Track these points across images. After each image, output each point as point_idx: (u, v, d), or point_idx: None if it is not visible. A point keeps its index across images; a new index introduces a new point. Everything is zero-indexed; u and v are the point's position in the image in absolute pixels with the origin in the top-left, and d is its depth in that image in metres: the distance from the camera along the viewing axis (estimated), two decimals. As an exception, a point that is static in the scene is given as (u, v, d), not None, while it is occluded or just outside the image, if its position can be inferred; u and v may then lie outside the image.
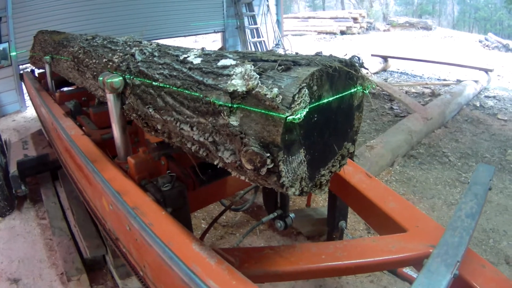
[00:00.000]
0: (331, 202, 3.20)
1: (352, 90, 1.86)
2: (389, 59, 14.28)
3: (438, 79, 12.70)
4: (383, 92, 10.17)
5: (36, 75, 6.92)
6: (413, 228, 2.36)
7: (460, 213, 2.16)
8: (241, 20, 16.09)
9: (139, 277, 2.25)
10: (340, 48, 21.43)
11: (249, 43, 16.29)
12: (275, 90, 1.54)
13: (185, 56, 2.18)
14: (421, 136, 7.19)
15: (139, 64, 2.52)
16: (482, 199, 2.29)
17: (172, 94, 2.10)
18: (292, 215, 3.57)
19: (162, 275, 1.90)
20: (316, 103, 1.63)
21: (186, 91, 1.96)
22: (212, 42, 25.32)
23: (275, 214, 3.53)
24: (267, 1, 17.49)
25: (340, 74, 1.72)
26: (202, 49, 2.26)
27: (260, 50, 16.15)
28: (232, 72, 1.75)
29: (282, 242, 4.32)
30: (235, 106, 1.67)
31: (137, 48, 2.76)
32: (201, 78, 1.90)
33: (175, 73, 2.12)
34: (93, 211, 2.94)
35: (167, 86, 2.12)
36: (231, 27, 16.27)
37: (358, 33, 28.40)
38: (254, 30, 16.66)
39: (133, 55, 2.68)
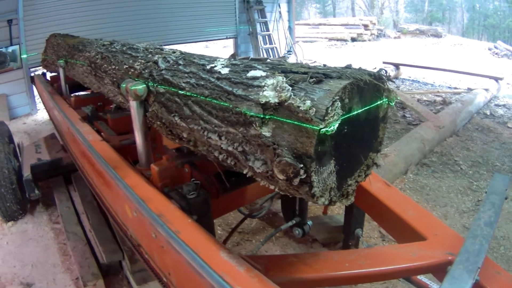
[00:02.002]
0: (347, 210, 3.22)
1: (379, 102, 1.87)
2: (400, 66, 14.28)
3: (449, 87, 12.73)
4: (396, 100, 10.16)
5: (48, 78, 6.90)
6: (432, 236, 2.39)
7: (479, 222, 2.21)
8: (254, 27, 16.12)
9: (163, 284, 2.27)
10: (351, 55, 21.52)
11: (261, 49, 16.31)
12: (308, 102, 1.56)
13: (212, 65, 2.19)
14: (433, 145, 7.22)
15: (163, 72, 2.53)
16: (498, 208, 2.33)
17: (199, 103, 2.11)
18: (309, 222, 3.59)
19: (189, 282, 1.91)
20: (347, 115, 1.65)
21: (215, 101, 1.97)
22: (223, 47, 25.34)
23: (294, 221, 3.55)
24: (279, 8, 17.56)
25: (369, 86, 1.74)
26: (229, 59, 2.28)
27: (272, 56, 16.18)
28: (263, 84, 1.77)
29: (297, 249, 4.33)
30: (267, 117, 1.69)
31: (160, 55, 2.77)
32: (230, 89, 1.92)
33: (202, 83, 2.13)
34: (113, 217, 2.95)
35: (194, 95, 2.14)
36: (243, 33, 16.32)
37: (369, 40, 28.44)
38: (266, 36, 16.71)
39: (156, 62, 2.69)
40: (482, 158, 6.99)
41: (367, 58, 19.87)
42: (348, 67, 1.83)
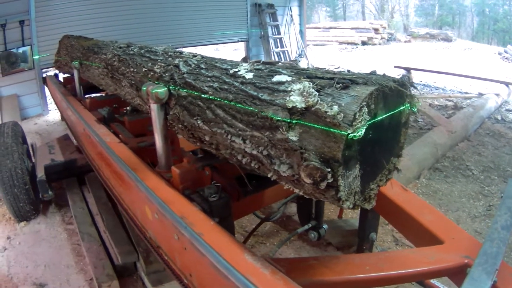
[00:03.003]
0: (362, 214, 3.23)
1: (402, 108, 1.89)
2: (412, 71, 14.28)
3: (460, 92, 12.73)
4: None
5: (61, 79, 6.93)
6: (449, 239, 2.43)
7: (496, 226, 2.27)
8: (265, 30, 16.17)
9: (184, 285, 2.29)
10: (362, 59, 21.46)
11: (273, 52, 16.35)
12: (336, 107, 1.58)
13: (235, 70, 2.21)
14: (445, 149, 7.22)
15: (185, 75, 2.55)
16: (515, 212, 2.37)
17: (223, 107, 2.13)
18: (325, 226, 3.60)
19: (212, 284, 1.93)
20: (373, 120, 1.67)
21: (239, 105, 1.99)
22: (233, 50, 25.32)
23: (310, 225, 3.56)
24: (291, 11, 17.58)
25: (393, 92, 1.76)
26: (252, 64, 2.30)
27: (283, 59, 16.20)
28: (289, 89, 1.79)
29: (311, 252, 4.34)
30: (294, 122, 1.71)
31: (180, 59, 2.79)
32: (255, 93, 1.94)
33: (226, 87, 2.15)
34: (132, 219, 2.97)
35: (218, 99, 2.16)
36: (254, 36, 16.35)
37: (379, 44, 28.45)
38: (278, 40, 16.76)
39: (177, 66, 2.71)
40: (493, 163, 6.99)
41: (378, 62, 19.89)
42: (373, 73, 1.85)
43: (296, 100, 1.71)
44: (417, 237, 2.73)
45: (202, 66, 2.53)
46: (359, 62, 20.38)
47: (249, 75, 2.09)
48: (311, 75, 1.86)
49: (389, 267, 2.21)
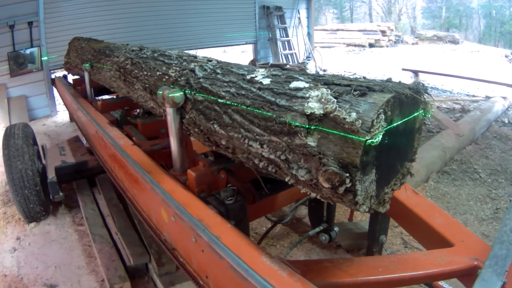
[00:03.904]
0: (372, 217, 3.25)
1: (416, 114, 1.93)
2: (419, 73, 14.30)
3: (467, 95, 12.76)
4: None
5: (70, 81, 6.95)
6: (459, 242, 2.48)
7: (505, 228, 2.32)
8: (273, 32, 16.20)
9: (199, 286, 2.31)
10: (370, 61, 21.46)
11: (281, 55, 16.37)
12: (354, 114, 1.62)
13: (252, 75, 2.25)
14: (453, 152, 7.24)
15: (200, 80, 2.59)
16: (523, 215, 2.42)
17: (240, 112, 2.16)
18: (336, 228, 3.63)
19: (230, 286, 1.96)
20: (389, 127, 1.70)
21: (257, 111, 2.03)
22: (241, 52, 25.31)
23: (321, 227, 3.59)
24: (299, 14, 17.61)
25: (408, 99, 1.79)
26: (268, 69, 2.33)
27: (291, 62, 16.22)
28: (308, 95, 1.82)
29: (321, 255, 4.36)
30: (313, 127, 1.74)
31: (196, 63, 2.83)
32: (273, 99, 1.97)
33: (243, 92, 2.19)
34: (146, 221, 3.00)
35: (235, 104, 2.20)
36: (263, 38, 16.40)
37: (387, 46, 28.44)
38: (286, 42, 16.79)
39: (192, 70, 2.74)
40: (500, 166, 7.00)
41: (385, 64, 19.90)
42: (389, 80, 1.89)
43: (314, 106, 1.74)
44: (427, 239, 2.78)
45: (218, 71, 2.57)
46: (366, 64, 20.40)
47: (267, 81, 2.12)
48: (328, 81, 1.90)
49: (401, 269, 2.24)
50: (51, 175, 5.12)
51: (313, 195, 1.88)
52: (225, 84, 2.38)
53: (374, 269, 2.24)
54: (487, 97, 11.46)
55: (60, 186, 5.13)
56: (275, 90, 2.02)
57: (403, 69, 14.66)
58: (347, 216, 4.70)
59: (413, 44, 30.86)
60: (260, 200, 2.77)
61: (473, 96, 12.55)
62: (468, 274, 2.24)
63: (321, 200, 1.89)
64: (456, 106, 10.92)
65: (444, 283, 2.92)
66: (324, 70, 17.57)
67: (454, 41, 30.12)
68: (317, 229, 3.59)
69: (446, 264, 2.27)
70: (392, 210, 2.88)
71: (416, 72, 14.39)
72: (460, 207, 5.60)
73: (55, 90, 8.86)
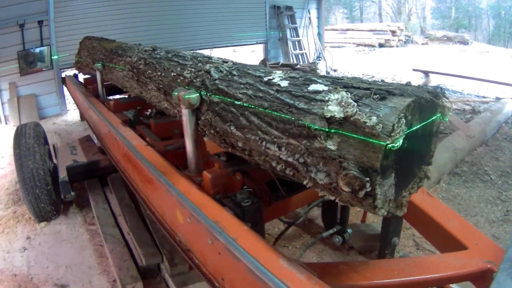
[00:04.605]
0: (385, 219, 3.25)
1: (434, 118, 1.93)
2: (430, 74, 14.27)
3: (477, 96, 12.73)
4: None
5: (81, 80, 6.98)
6: (472, 245, 2.50)
7: None
8: (284, 32, 16.27)
9: (215, 288, 2.32)
10: (380, 62, 21.44)
11: (291, 55, 16.41)
12: (374, 118, 1.62)
13: (270, 78, 2.25)
14: (464, 154, 7.22)
15: (216, 82, 2.58)
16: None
17: (257, 114, 2.16)
18: (349, 230, 3.62)
19: (246, 288, 1.97)
20: (409, 131, 1.70)
21: (275, 113, 2.03)
22: (250, 52, 25.28)
23: (335, 229, 3.59)
24: (309, 14, 17.65)
25: (428, 103, 1.79)
26: (286, 71, 2.33)
27: (302, 62, 16.25)
28: (327, 98, 1.82)
29: (334, 256, 4.36)
30: (333, 131, 1.74)
31: (211, 65, 2.83)
32: (292, 101, 1.97)
33: (260, 94, 2.19)
34: (160, 221, 3.00)
35: (252, 106, 2.19)
36: (273, 38, 16.44)
37: (397, 46, 28.41)
38: (296, 42, 16.92)
39: (208, 72, 2.74)
40: (510, 168, 6.98)
41: (396, 64, 19.88)
42: (408, 84, 1.89)
43: (334, 109, 1.74)
44: (441, 242, 2.80)
45: (235, 73, 2.56)
46: (377, 64, 20.37)
47: (284, 83, 2.12)
48: (347, 84, 1.90)
49: (416, 272, 2.26)
50: (63, 174, 5.14)
51: (331, 198, 1.88)
52: (242, 86, 2.37)
53: (390, 272, 2.25)
54: (497, 99, 11.45)
55: (71, 186, 5.14)
56: (293, 92, 2.02)
57: (414, 70, 14.67)
58: (360, 218, 4.70)
59: (423, 44, 30.82)
60: (275, 202, 2.77)
61: (483, 97, 12.54)
62: (482, 277, 2.26)
63: (340, 203, 1.89)
64: (466, 107, 10.90)
65: (454, 285, 2.91)
66: (335, 70, 17.61)
67: (464, 42, 30.07)
68: (331, 231, 3.58)
69: (460, 267, 2.29)
70: (406, 213, 2.90)
71: (426, 73, 14.39)
72: (471, 209, 5.60)
73: (65, 89, 8.89)
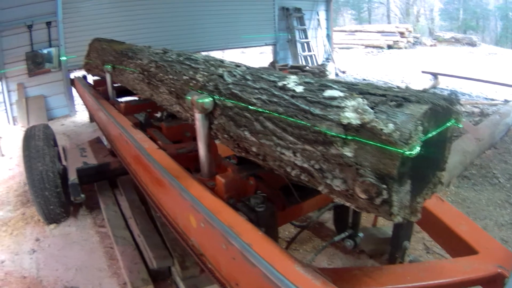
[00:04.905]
0: (397, 223, 3.25)
1: (449, 124, 1.93)
2: (439, 76, 14.26)
3: (486, 98, 12.69)
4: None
5: (91, 82, 6.99)
6: (483, 250, 2.49)
7: None
8: (293, 34, 16.30)
9: (229, 293, 2.32)
10: (388, 63, 21.45)
11: (300, 56, 16.42)
12: (391, 125, 1.62)
13: (284, 83, 2.24)
14: (473, 157, 7.21)
15: (230, 86, 2.58)
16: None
17: (272, 120, 2.15)
18: (361, 234, 3.62)
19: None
20: (425, 138, 1.71)
21: (290, 119, 2.03)
22: (259, 53, 25.25)
23: (346, 233, 3.59)
24: (318, 16, 17.66)
25: (443, 110, 1.80)
26: (301, 76, 2.33)
27: (310, 64, 16.25)
28: (343, 105, 1.82)
29: (344, 260, 4.36)
30: (349, 138, 1.75)
31: (224, 69, 2.83)
32: (307, 107, 1.97)
33: (275, 100, 2.18)
34: (172, 225, 2.99)
35: (267, 111, 2.19)
36: (282, 40, 16.46)
37: (405, 48, 28.32)
38: (305, 43, 16.91)
39: (221, 76, 2.74)
40: (519, 171, 6.99)
41: (404, 66, 19.86)
42: (424, 90, 1.89)
43: (351, 116, 1.74)
44: (452, 246, 2.80)
45: (248, 77, 2.56)
46: (385, 66, 20.36)
47: (299, 89, 2.12)
48: (363, 91, 1.90)
49: (428, 277, 2.26)
50: (73, 176, 5.13)
51: (347, 204, 1.89)
52: (256, 90, 2.37)
53: (403, 277, 2.26)
54: (506, 101, 11.41)
55: (81, 188, 5.13)
56: (308, 98, 2.01)
57: (423, 72, 14.66)
58: (370, 221, 4.71)
59: (431, 46, 30.76)
60: (289, 207, 2.77)
61: (492, 99, 12.50)
62: (493, 281, 2.27)
63: (356, 209, 1.90)
64: (475, 109, 10.85)
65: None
66: (343, 72, 17.61)
67: (472, 43, 30.03)
68: (343, 235, 3.58)
69: (471, 272, 2.29)
70: (418, 217, 2.91)
71: (435, 75, 14.36)
72: (480, 212, 5.59)
73: (73, 90, 8.90)
